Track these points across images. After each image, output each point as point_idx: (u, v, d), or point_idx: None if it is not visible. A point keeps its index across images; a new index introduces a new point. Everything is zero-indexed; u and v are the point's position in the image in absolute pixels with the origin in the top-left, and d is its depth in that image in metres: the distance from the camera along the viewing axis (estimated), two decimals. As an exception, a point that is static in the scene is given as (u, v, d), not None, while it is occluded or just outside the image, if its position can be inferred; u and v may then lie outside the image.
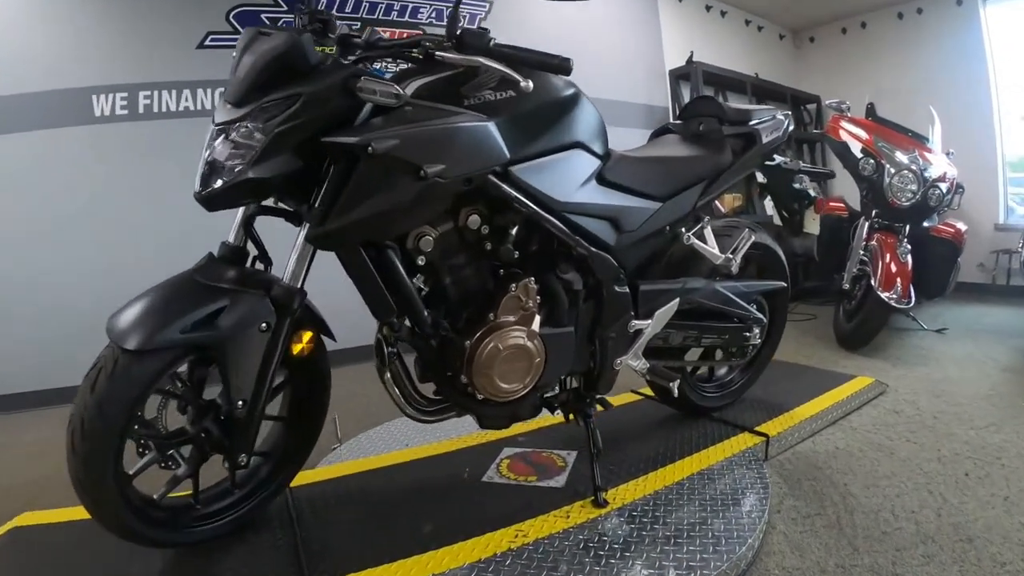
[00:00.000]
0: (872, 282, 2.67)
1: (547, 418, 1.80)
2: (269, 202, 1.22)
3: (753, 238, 1.69)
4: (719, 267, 1.64)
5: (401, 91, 1.07)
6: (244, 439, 1.16)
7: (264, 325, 1.11)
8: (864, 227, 2.82)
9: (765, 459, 1.71)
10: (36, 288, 2.62)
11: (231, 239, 1.20)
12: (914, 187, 2.74)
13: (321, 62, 1.08)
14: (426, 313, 1.21)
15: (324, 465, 1.72)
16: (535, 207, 1.24)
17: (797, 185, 1.90)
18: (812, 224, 2.01)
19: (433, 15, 3.43)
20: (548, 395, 1.46)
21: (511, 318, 1.26)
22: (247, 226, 1.20)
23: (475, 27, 1.17)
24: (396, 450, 1.78)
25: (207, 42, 2.94)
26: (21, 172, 2.61)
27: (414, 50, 1.14)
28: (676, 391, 1.56)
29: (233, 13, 3.00)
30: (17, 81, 2.59)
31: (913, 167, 2.75)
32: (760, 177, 2.00)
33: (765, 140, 1.66)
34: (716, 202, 4.40)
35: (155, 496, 1.19)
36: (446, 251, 1.22)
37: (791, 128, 1.79)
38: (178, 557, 1.23)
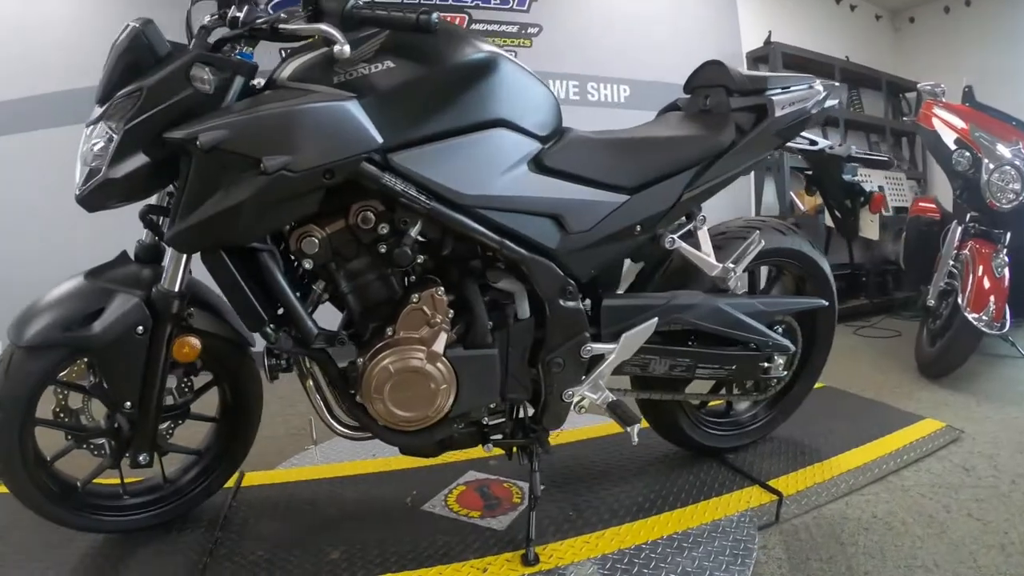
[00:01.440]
0: (959, 300, 2.15)
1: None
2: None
3: (762, 244, 1.31)
4: (716, 280, 1.29)
5: (216, 77, 0.96)
6: (141, 438, 1.14)
7: (140, 329, 1.07)
8: (956, 233, 2.30)
9: (776, 521, 1.32)
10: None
11: (145, 236, 1.16)
12: (1017, 186, 2.18)
13: (171, 52, 0.98)
14: (309, 323, 1.05)
15: (283, 467, 1.64)
16: (433, 202, 1.00)
17: (848, 176, 1.46)
18: (870, 227, 1.57)
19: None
20: (490, 423, 1.22)
21: (414, 334, 1.05)
22: (146, 222, 1.13)
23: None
24: (361, 459, 1.66)
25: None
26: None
27: (264, 26, 0.97)
28: (635, 437, 1.22)
29: (270, 6, 2.92)
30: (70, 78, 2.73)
31: (1017, 162, 2.19)
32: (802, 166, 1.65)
33: (779, 113, 1.28)
34: (796, 200, 3.87)
35: (78, 482, 1.20)
36: (340, 254, 1.05)
37: (829, 101, 1.38)
38: (80, 544, 1.23)
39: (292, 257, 1.07)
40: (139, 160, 0.95)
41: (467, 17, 3.21)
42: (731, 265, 1.28)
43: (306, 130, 0.93)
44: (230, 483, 1.45)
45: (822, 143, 1.47)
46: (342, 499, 1.45)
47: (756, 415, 1.63)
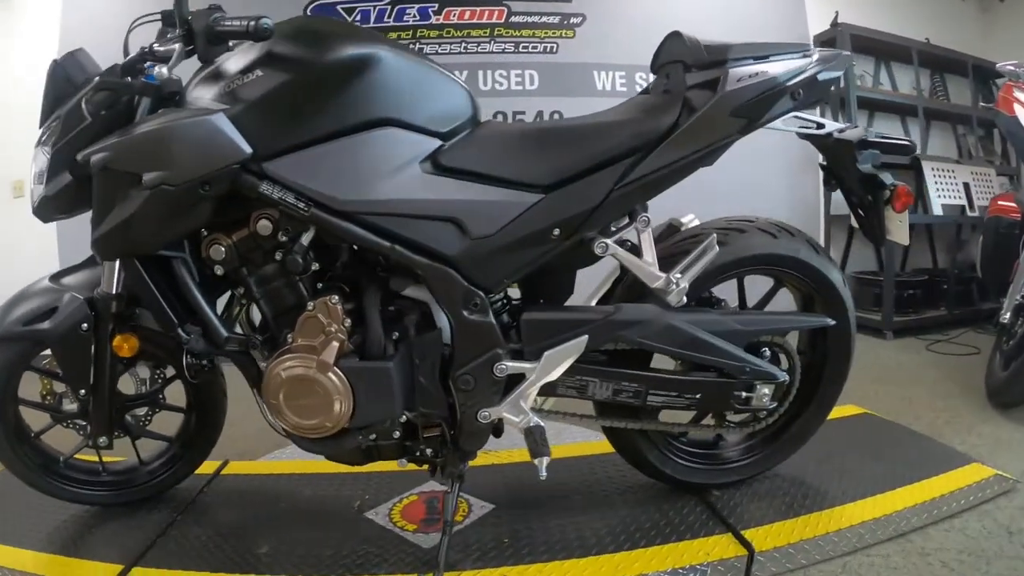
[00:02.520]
0: (1036, 319, 1.69)
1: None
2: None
3: (715, 250, 1.11)
4: (658, 293, 1.11)
5: (90, 99, 1.02)
6: (99, 423, 1.24)
7: (85, 326, 1.15)
8: (1038, 237, 1.85)
9: (744, 580, 1.10)
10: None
11: None
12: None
13: (89, 78, 1.04)
14: (218, 326, 1.06)
15: (265, 459, 1.69)
16: (314, 209, 0.97)
17: (864, 166, 1.17)
18: (898, 228, 1.24)
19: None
20: (423, 435, 1.16)
21: (311, 342, 1.01)
22: None
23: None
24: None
25: None
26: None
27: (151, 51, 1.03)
28: (543, 471, 1.08)
29: (311, 7, 3.05)
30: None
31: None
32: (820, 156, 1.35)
33: (731, 87, 1.05)
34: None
35: (61, 457, 1.35)
36: (248, 260, 1.05)
37: (826, 74, 1.11)
38: (59, 512, 1.38)
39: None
40: (66, 179, 1.03)
41: (506, 10, 3.18)
42: (675, 276, 1.09)
43: (176, 145, 0.95)
44: (210, 469, 1.59)
45: (830, 126, 1.21)
46: (298, 496, 1.46)
47: (749, 449, 1.39)
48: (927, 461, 1.52)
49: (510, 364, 1.06)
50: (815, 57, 1.14)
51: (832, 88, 1.25)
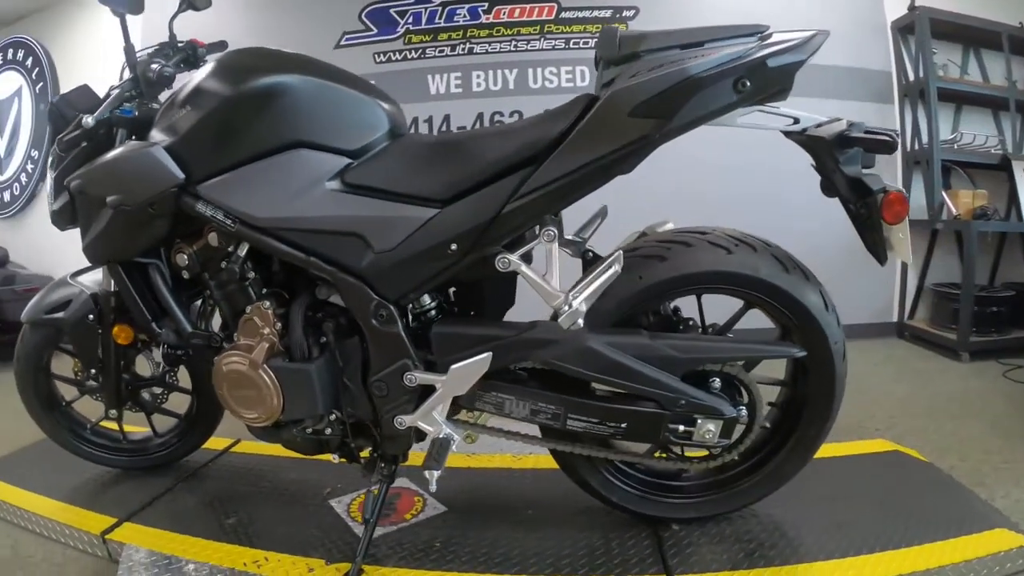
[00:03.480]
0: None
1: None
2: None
3: (616, 269, 1.02)
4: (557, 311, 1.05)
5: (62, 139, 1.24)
6: (109, 397, 1.49)
7: (91, 317, 1.39)
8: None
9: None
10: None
11: None
12: None
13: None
14: (184, 323, 1.22)
15: None
16: (239, 225, 1.09)
17: (848, 168, 1.03)
18: (899, 243, 1.00)
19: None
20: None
21: (249, 342, 1.15)
22: None
23: None
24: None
25: (343, 42, 3.29)
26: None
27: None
28: (433, 484, 1.10)
29: (365, 12, 3.28)
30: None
31: None
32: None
33: (624, 83, 0.96)
34: (948, 200, 2.84)
35: (88, 424, 1.64)
36: (207, 267, 1.19)
37: (779, 59, 0.95)
38: (87, 471, 1.65)
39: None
40: (65, 198, 1.23)
41: (556, 6, 3.17)
42: (575, 295, 1.02)
43: (124, 173, 1.13)
44: (222, 445, 1.82)
45: (805, 120, 1.04)
46: (282, 478, 1.61)
47: (713, 486, 1.29)
48: (948, 517, 1.30)
49: (419, 375, 1.11)
50: (771, 40, 0.99)
51: (796, 72, 0.99)
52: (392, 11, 3.31)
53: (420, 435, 1.21)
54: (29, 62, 4.12)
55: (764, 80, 0.99)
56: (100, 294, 1.39)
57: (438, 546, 1.27)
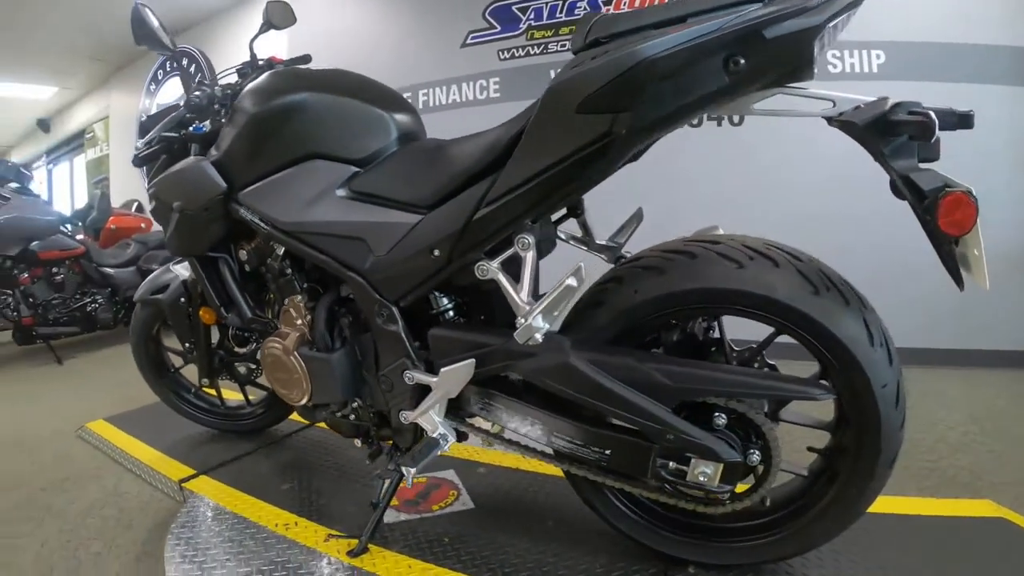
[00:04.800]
0: None
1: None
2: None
3: (576, 281, 0.96)
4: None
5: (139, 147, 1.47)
6: (201, 368, 1.78)
7: (182, 300, 1.70)
8: None
9: None
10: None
11: None
12: None
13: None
14: (244, 308, 1.43)
15: None
16: (269, 228, 1.25)
17: (898, 163, 0.84)
18: (975, 261, 0.71)
19: None
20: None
21: (285, 330, 1.32)
22: None
23: None
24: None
25: (468, 40, 3.47)
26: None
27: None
28: (410, 480, 1.15)
29: (488, 10, 3.41)
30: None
31: None
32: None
33: (566, 75, 0.90)
34: None
35: (193, 389, 2.00)
36: (263, 263, 1.40)
37: (755, 24, 0.81)
38: (188, 428, 2.01)
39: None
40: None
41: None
42: (531, 313, 0.99)
43: (182, 183, 1.36)
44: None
45: (843, 102, 0.88)
46: (344, 456, 1.80)
47: (739, 531, 1.16)
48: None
49: (417, 374, 1.17)
50: (772, 6, 0.84)
51: (819, 44, 0.84)
52: (514, 8, 3.42)
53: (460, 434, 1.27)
54: (192, 68, 4.94)
55: (766, 56, 0.85)
56: (188, 281, 1.67)
57: (446, 541, 1.34)
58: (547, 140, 0.94)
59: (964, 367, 2.57)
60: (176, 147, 1.46)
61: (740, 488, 1.05)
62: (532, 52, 3.40)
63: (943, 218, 0.83)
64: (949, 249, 0.84)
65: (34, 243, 3.42)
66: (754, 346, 1.07)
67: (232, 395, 2.01)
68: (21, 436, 2.22)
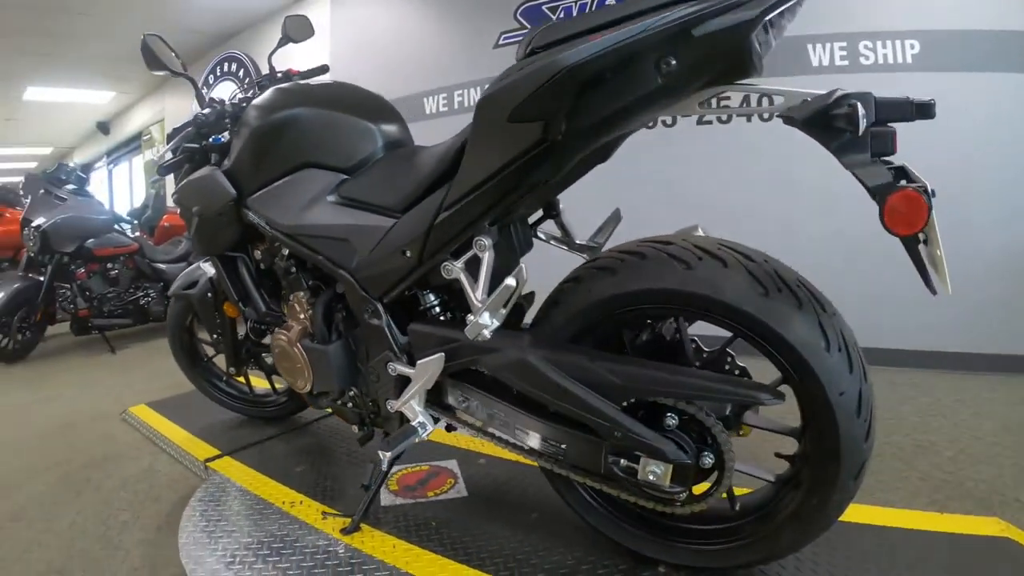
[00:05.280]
0: None
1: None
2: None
3: (517, 281, 1.01)
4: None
5: (164, 155, 1.62)
6: (228, 358, 1.94)
7: (209, 295, 1.87)
8: None
9: None
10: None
11: None
12: None
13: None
14: (259, 302, 1.57)
15: None
16: (273, 231, 1.39)
17: (847, 158, 0.83)
18: (938, 263, 0.80)
19: None
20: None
21: (292, 323, 1.46)
22: None
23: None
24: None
25: (501, 41, 3.55)
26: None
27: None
28: (384, 464, 1.24)
29: (520, 10, 3.48)
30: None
31: None
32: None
33: (494, 86, 0.96)
34: None
35: (224, 376, 2.18)
36: (273, 262, 1.54)
37: (682, 23, 0.82)
38: (219, 413, 2.18)
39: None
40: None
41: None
42: (482, 307, 1.05)
43: (199, 190, 1.52)
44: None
45: (789, 96, 0.86)
46: (354, 441, 1.87)
47: (705, 533, 1.16)
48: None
49: (399, 366, 1.28)
50: (701, 4, 0.83)
51: (761, 38, 0.83)
52: (544, 7, 3.48)
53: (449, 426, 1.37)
54: (240, 73, 5.25)
55: (698, 55, 0.85)
56: (214, 277, 1.84)
57: (433, 525, 1.43)
58: (486, 150, 1.02)
59: (1009, 373, 2.45)
60: (197, 156, 1.61)
61: (703, 489, 1.07)
62: (564, 53, 3.46)
63: (888, 216, 0.81)
64: (915, 248, 0.82)
65: (90, 240, 3.73)
66: (719, 347, 1.09)
67: (260, 383, 2.17)
68: (73, 418, 2.47)
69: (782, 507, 1.07)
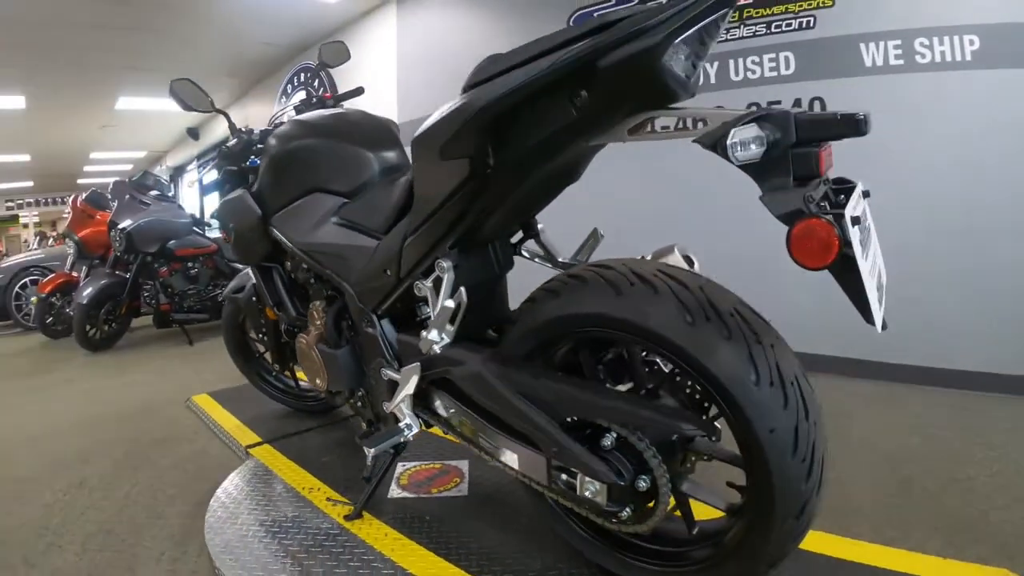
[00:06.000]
0: None
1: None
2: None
3: (450, 303, 1.14)
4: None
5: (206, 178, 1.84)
6: (273, 355, 2.18)
7: (254, 298, 2.12)
8: None
9: None
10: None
11: None
12: None
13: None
14: (291, 308, 1.79)
15: None
16: (292, 247, 1.60)
17: (765, 184, 0.81)
18: (873, 297, 0.76)
19: None
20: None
21: (312, 328, 1.66)
22: None
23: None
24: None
25: None
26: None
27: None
28: (369, 458, 1.33)
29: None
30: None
31: None
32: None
33: (430, 120, 1.07)
34: None
35: (273, 372, 2.45)
36: (298, 273, 1.75)
37: (579, 56, 0.86)
38: (270, 405, 2.46)
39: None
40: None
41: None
42: (431, 325, 1.21)
43: (233, 209, 1.79)
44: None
45: (712, 118, 0.84)
46: None
47: (663, 555, 1.18)
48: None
49: (389, 372, 1.42)
50: (605, 33, 0.86)
51: (678, 61, 0.85)
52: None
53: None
54: (316, 83, 5.64)
55: (609, 85, 0.87)
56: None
57: (426, 520, 1.56)
58: (427, 184, 1.16)
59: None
60: (235, 178, 1.86)
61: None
62: (613, 57, 3.55)
63: (794, 248, 0.78)
64: (847, 277, 0.79)
65: (171, 242, 4.21)
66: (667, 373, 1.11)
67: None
68: (147, 403, 2.85)
69: (730, 538, 1.06)
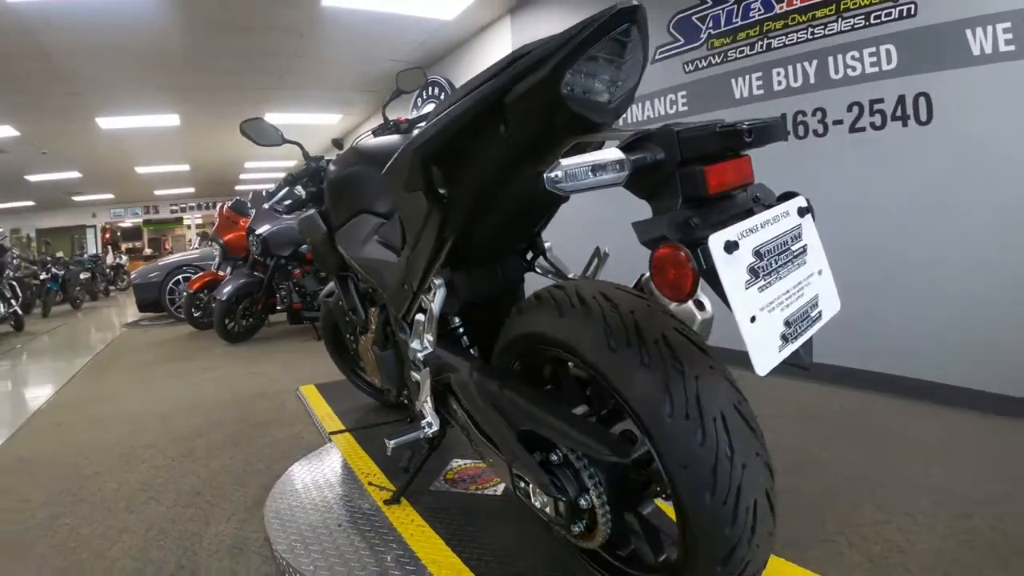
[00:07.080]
0: None
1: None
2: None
3: (421, 317, 1.40)
4: None
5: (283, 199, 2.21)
6: (357, 356, 2.57)
7: (341, 302, 2.48)
8: None
9: None
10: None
11: None
12: None
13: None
14: (360, 310, 2.08)
15: None
16: (350, 260, 1.88)
17: (658, 203, 0.81)
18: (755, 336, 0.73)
19: None
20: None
21: (370, 332, 1.97)
22: None
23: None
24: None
25: (656, 56, 3.69)
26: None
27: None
28: (389, 450, 1.50)
29: (672, 23, 3.61)
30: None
31: None
32: None
33: (393, 159, 1.24)
34: None
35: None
36: (360, 283, 2.07)
37: (490, 91, 0.92)
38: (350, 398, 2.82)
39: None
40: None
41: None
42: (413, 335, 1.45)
43: (308, 226, 2.11)
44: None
45: (629, 139, 0.82)
46: (448, 436, 2.36)
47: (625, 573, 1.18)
48: None
49: (415, 374, 1.62)
50: (510, 70, 0.92)
51: (584, 90, 0.88)
52: (694, 18, 3.59)
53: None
54: (442, 96, 6.11)
55: (522, 118, 0.90)
56: None
57: (453, 513, 1.74)
58: (405, 212, 1.38)
59: None
60: (313, 198, 2.22)
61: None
62: (713, 62, 3.52)
63: (655, 276, 0.76)
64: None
65: (303, 246, 4.85)
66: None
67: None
68: (263, 390, 3.41)
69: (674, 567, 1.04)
